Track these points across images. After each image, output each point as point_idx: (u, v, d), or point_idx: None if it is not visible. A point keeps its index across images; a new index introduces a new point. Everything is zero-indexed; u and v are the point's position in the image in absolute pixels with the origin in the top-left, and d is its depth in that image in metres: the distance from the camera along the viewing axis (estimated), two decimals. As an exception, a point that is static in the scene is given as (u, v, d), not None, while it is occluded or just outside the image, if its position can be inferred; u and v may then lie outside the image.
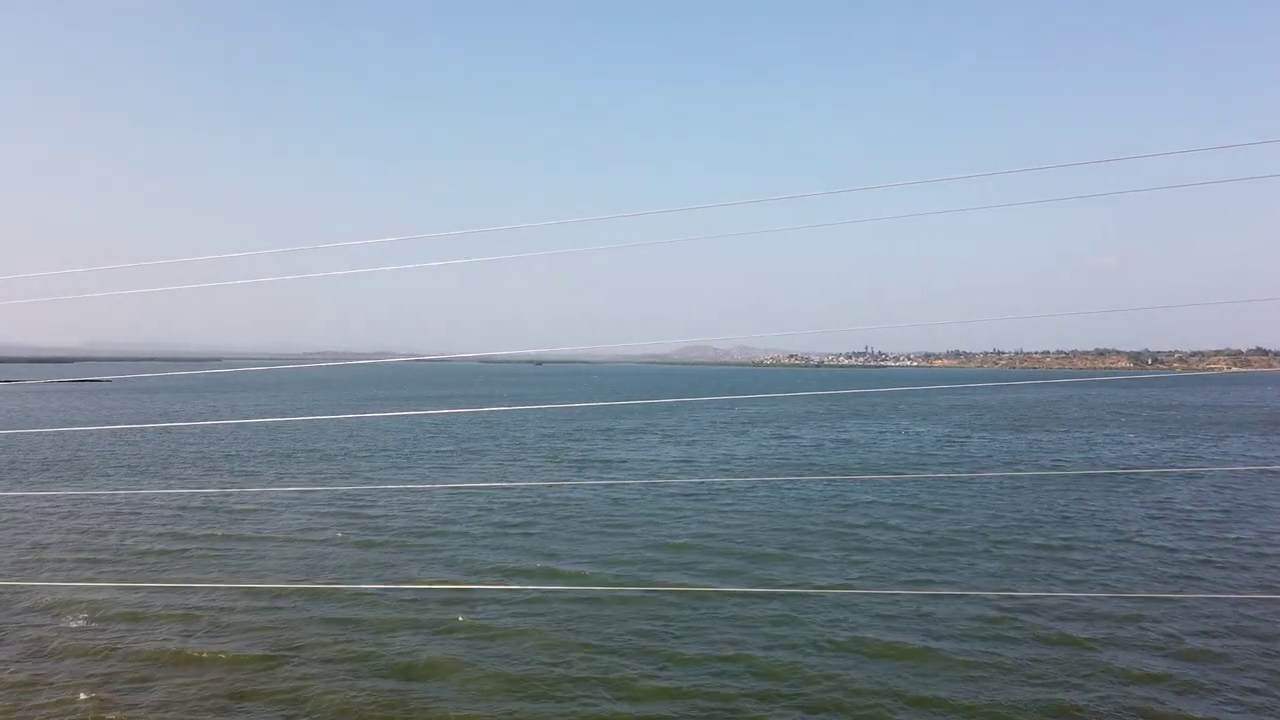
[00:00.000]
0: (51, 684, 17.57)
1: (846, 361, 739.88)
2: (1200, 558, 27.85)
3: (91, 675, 18.02)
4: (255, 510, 35.52)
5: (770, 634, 20.36)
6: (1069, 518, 33.97)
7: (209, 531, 31.50)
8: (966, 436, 71.87)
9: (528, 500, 37.83)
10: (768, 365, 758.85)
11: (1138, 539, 30.34)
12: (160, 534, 31.16)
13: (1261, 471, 47.61)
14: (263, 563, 27.25)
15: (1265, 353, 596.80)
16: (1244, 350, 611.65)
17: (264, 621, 21.15)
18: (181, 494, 38.29)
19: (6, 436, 61.36)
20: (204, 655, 19.00)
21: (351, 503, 37.17)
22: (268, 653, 19.15)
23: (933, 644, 19.62)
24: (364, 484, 42.75)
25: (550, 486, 41.63)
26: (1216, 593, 23.74)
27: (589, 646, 19.59)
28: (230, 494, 38.35)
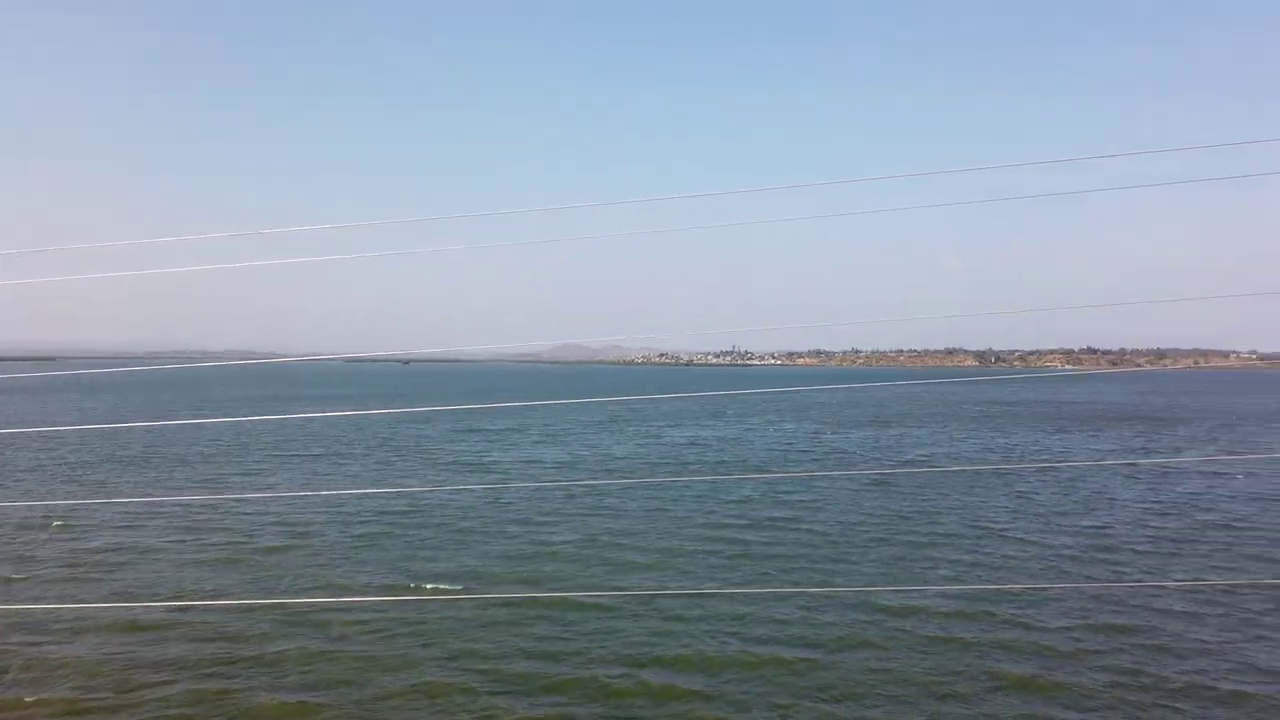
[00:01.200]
0: None
1: (715, 360, 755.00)
2: (1060, 550, 29.48)
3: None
4: (100, 524, 32.64)
5: (652, 639, 20.12)
6: (937, 513, 35.39)
7: (42, 551, 28.67)
8: (833, 433, 74.26)
9: (401, 506, 36.36)
10: (639, 364, 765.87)
11: (1002, 533, 31.89)
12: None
13: (1101, 466, 51.19)
14: (104, 581, 24.95)
15: (1094, 351, 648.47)
16: (1076, 350, 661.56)
17: (111, 649, 19.30)
18: (11, 506, 34.80)
19: None
20: (42, 694, 17.12)
21: (208, 513, 34.72)
22: (111, 687, 17.44)
23: (815, 644, 19.85)
24: (222, 493, 40.09)
25: (426, 491, 40.21)
26: (1076, 583, 25.14)
27: (471, 657, 18.80)
28: (73, 506, 35.14)
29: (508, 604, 22.62)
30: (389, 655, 19.17)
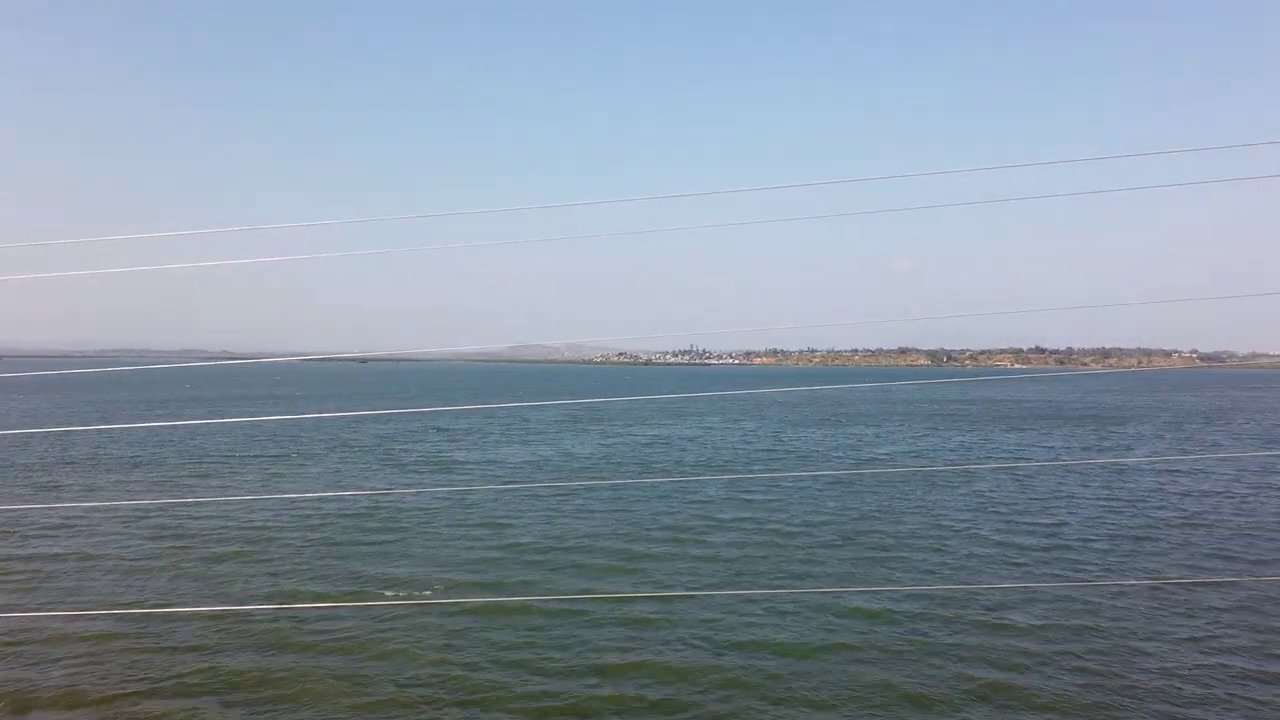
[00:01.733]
0: None
1: (673, 359, 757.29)
2: (1023, 549, 29.78)
3: None
4: (53, 528, 31.44)
5: (620, 644, 19.84)
6: (901, 513, 35.55)
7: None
8: (793, 433, 74.61)
9: (362, 508, 35.60)
10: (598, 363, 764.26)
11: (966, 533, 32.13)
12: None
13: (1057, 465, 52.02)
14: (47, 588, 23.98)
15: (1043, 351, 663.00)
16: (1024, 349, 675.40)
17: (52, 661, 18.48)
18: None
19: None
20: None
21: (160, 516, 33.65)
22: (50, 704, 16.68)
23: (785, 647, 19.72)
24: (174, 496, 38.89)
25: (386, 492, 39.45)
26: (1041, 583, 25.37)
27: (435, 666, 18.35)
28: (16, 510, 33.80)
29: (473, 610, 22.16)
30: (349, 666, 18.62)
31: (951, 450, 62.86)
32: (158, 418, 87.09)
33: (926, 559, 28.13)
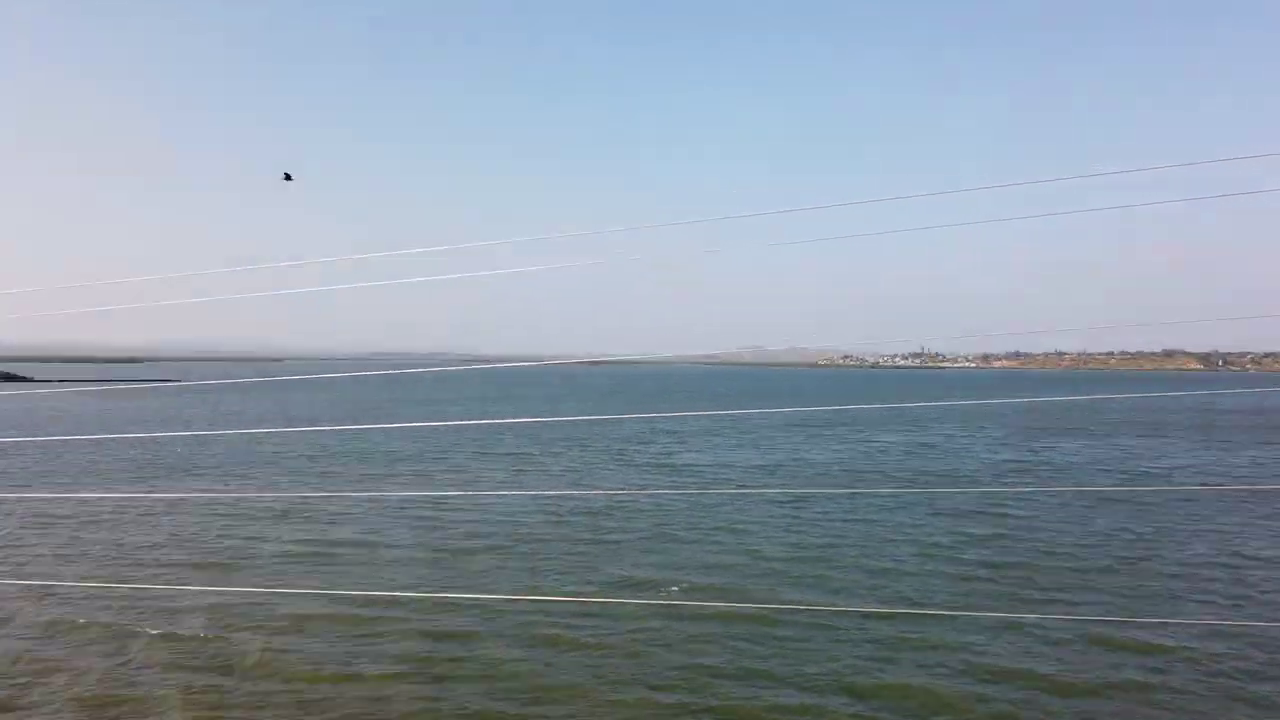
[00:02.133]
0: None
1: (902, 362, 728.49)
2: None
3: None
4: (333, 514, 34.81)
5: (869, 663, 18.70)
6: (1185, 538, 31.52)
7: (269, 539, 30.80)
8: (1044, 443, 68.72)
9: (600, 507, 36.51)
10: (822, 366, 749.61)
11: (1275, 562, 27.86)
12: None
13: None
14: (335, 569, 26.34)
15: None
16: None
17: (334, 637, 20.14)
18: (245, 497, 37.84)
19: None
20: (282, 662, 17.99)
21: (421, 508, 36.26)
22: (332, 677, 18.09)
23: (1057, 680, 17.78)
24: (433, 489, 41.88)
25: (620, 492, 40.29)
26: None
27: (684, 666, 18.13)
28: (308, 496, 37.78)
29: (716, 615, 21.84)
30: (601, 663, 18.84)
31: (1242, 467, 55.28)
32: (409, 418, 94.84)
33: (1225, 590, 24.61)
